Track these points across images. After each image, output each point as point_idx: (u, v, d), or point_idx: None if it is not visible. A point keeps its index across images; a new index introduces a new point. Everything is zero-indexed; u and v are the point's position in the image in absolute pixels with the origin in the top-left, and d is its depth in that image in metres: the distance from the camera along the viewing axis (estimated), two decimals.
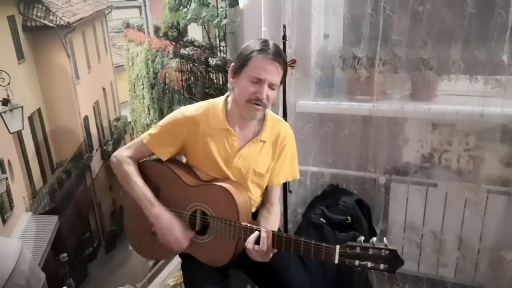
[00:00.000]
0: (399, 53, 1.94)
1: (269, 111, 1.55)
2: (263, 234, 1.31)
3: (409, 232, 2.16)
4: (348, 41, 2.12)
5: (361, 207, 2.07)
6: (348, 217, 1.98)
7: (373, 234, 2.11)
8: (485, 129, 1.91)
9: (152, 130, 1.50)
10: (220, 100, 1.50)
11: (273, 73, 1.35)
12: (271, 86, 1.37)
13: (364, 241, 1.22)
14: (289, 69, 2.02)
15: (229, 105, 1.48)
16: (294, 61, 2.02)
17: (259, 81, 1.35)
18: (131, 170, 1.48)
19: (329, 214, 2.03)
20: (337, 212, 2.03)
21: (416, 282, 2.22)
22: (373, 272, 2.21)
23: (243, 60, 1.37)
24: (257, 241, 1.32)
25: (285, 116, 2.08)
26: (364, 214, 2.07)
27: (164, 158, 1.50)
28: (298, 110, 2.20)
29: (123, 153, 1.51)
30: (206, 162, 1.48)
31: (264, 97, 1.36)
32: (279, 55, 1.37)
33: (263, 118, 1.51)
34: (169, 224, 1.43)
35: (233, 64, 1.43)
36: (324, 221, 2.02)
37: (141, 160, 1.54)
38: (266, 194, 1.59)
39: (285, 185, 2.13)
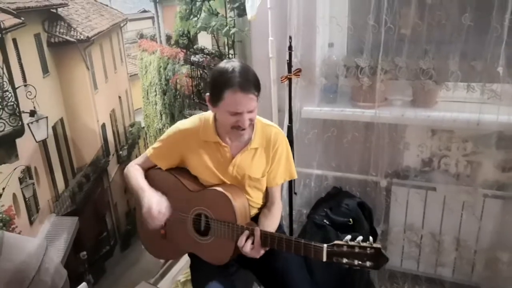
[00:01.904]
0: (400, 63, 2.02)
1: (258, 118, 1.58)
2: (257, 233, 1.42)
3: (409, 233, 2.25)
4: (352, 51, 2.20)
5: (363, 210, 2.16)
6: (350, 219, 2.07)
7: (374, 235, 2.20)
8: (482, 135, 1.97)
9: (155, 144, 1.65)
10: (210, 114, 1.56)
11: (247, 103, 1.38)
12: (250, 111, 1.41)
13: (350, 240, 1.27)
14: (294, 77, 2.12)
15: (217, 121, 1.53)
16: (299, 70, 2.09)
17: (237, 114, 1.40)
18: (136, 170, 1.64)
19: (332, 216, 2.12)
20: (340, 214, 2.12)
21: (416, 280, 2.31)
22: (374, 271, 2.31)
23: (217, 96, 1.40)
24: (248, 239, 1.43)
25: (290, 121, 2.14)
26: (366, 216, 2.15)
27: (163, 168, 1.63)
28: (303, 116, 2.29)
29: (133, 162, 1.70)
30: (203, 172, 1.59)
31: (246, 125, 1.42)
32: (247, 84, 1.37)
33: (253, 127, 1.55)
34: (150, 200, 1.49)
35: (207, 94, 1.46)
36: (327, 222, 2.12)
37: (150, 170, 1.67)
38: (267, 194, 1.68)
39: (290, 187, 2.21)
